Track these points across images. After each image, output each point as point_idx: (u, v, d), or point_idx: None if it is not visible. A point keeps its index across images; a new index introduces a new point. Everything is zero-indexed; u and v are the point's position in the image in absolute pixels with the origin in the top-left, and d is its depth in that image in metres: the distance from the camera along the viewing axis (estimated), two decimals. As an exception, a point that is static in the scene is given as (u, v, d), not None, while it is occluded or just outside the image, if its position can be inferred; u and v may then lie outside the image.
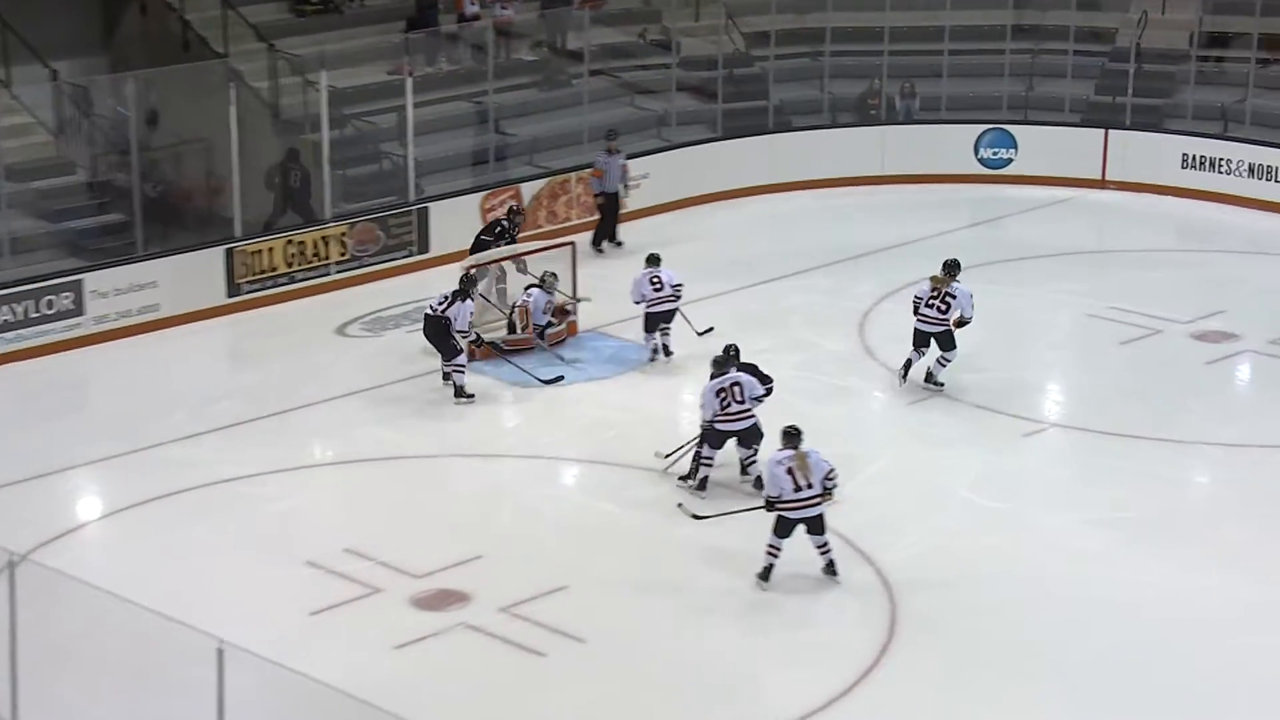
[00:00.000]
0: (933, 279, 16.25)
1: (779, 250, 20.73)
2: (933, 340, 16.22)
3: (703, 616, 12.74)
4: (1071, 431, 15.92)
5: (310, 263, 19.62)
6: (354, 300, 19.38)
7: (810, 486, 12.87)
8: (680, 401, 16.41)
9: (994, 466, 15.10)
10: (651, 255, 17.46)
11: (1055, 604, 12.80)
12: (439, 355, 16.62)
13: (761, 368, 14.73)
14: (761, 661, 12.18)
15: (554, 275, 17.60)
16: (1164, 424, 15.87)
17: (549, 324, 17.47)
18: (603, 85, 23.72)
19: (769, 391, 14.65)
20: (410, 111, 20.56)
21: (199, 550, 13.69)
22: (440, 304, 16.52)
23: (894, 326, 17.72)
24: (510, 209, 19.58)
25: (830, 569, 13.17)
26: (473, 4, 23.47)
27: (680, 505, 14.20)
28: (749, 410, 14.41)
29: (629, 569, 13.42)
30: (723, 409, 14.38)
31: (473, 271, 17.05)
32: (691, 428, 15.96)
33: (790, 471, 12.84)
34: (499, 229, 18.89)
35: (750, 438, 14.51)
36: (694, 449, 14.69)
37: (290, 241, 19.47)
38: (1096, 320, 18.16)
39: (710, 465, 14.54)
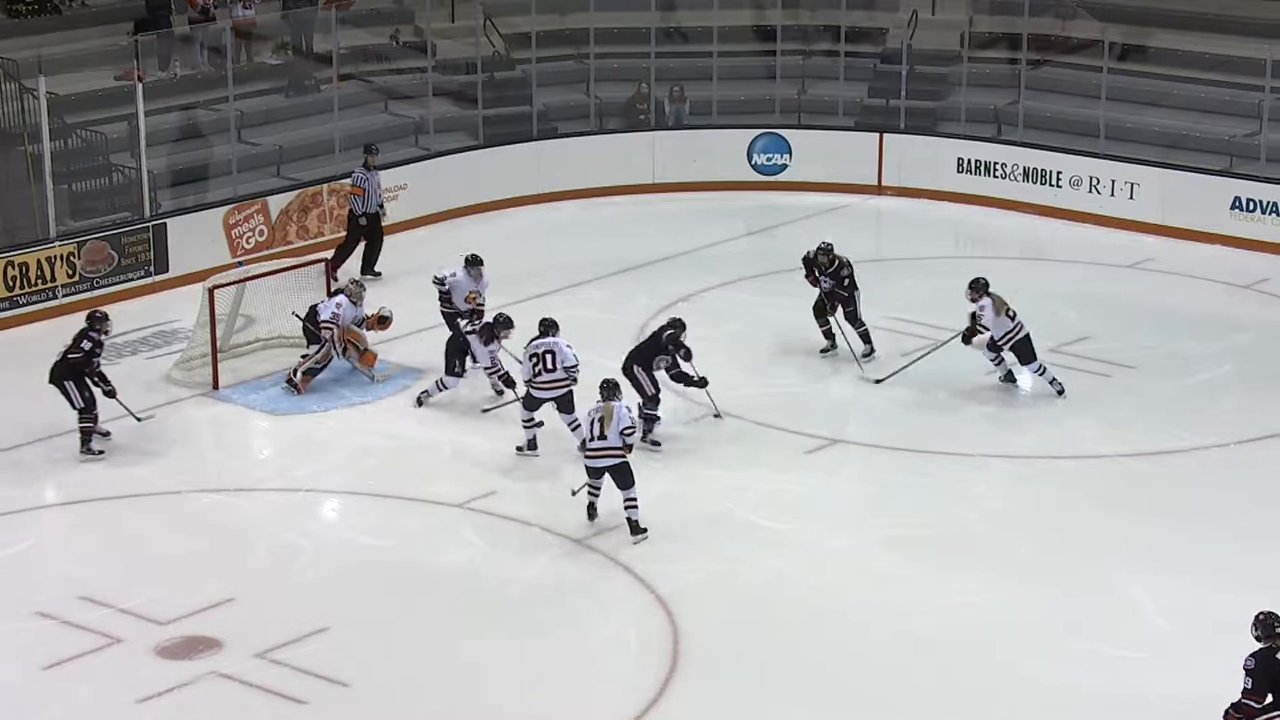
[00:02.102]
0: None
1: (547, 264, 20.78)
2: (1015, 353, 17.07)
3: (473, 652, 12.68)
4: (855, 447, 16.26)
5: (34, 285, 19.03)
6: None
7: (604, 438, 14.06)
8: (442, 427, 16.33)
9: (777, 486, 15.34)
10: (472, 256, 17.60)
11: (845, 628, 13.05)
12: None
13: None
14: (538, 697, 12.16)
15: (358, 284, 17.44)
16: (948, 437, 16.32)
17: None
18: (354, 90, 23.52)
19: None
20: (142, 120, 20.11)
21: (-86, 605, 13.16)
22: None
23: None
24: (820, 248, 17.98)
25: (633, 528, 14.10)
26: (208, 1, 23.03)
27: (573, 492, 14.55)
28: (561, 380, 15.44)
29: (394, 606, 13.29)
30: (534, 374, 15.41)
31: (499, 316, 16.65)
32: (456, 453, 15.91)
33: (593, 423, 14.15)
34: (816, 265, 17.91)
35: (565, 405, 15.52)
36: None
37: (10, 263, 18.87)
38: (877, 332, 18.56)
39: (529, 425, 15.64)
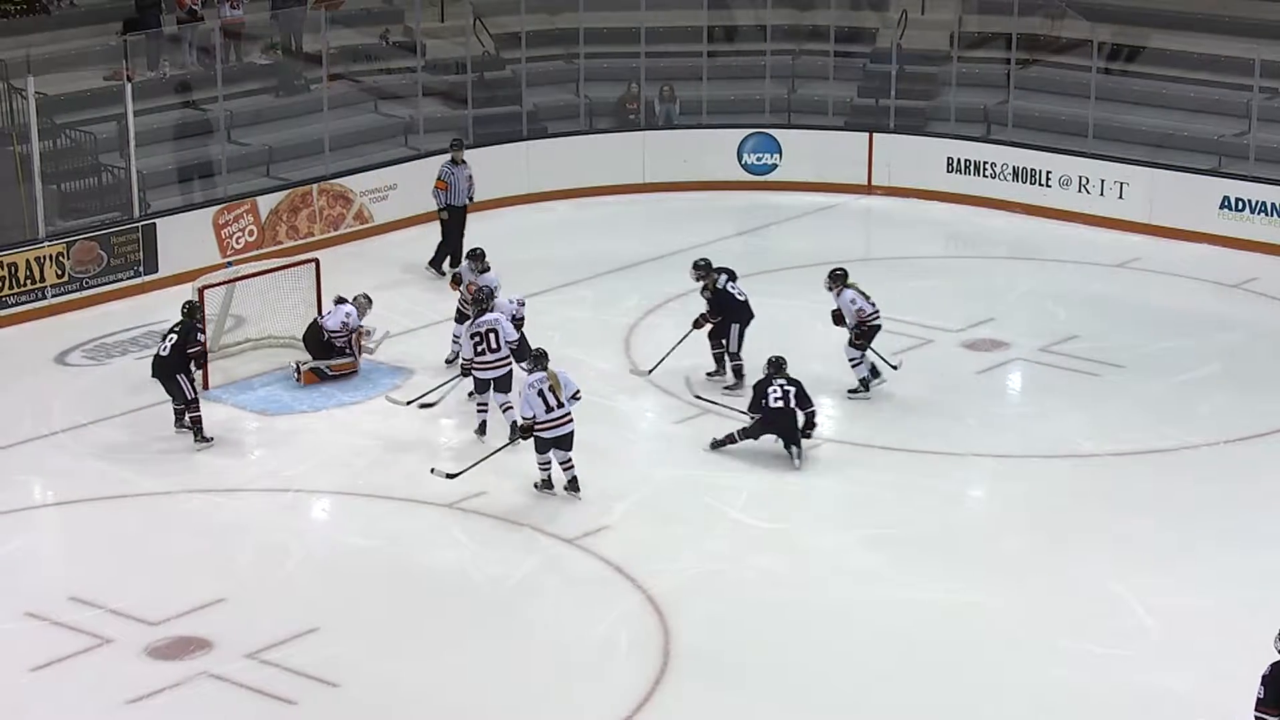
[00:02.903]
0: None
1: (537, 263, 20.78)
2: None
3: (463, 653, 12.69)
4: (844, 446, 16.28)
5: (23, 285, 19.03)
6: (75, 325, 18.89)
7: (561, 405, 14.38)
8: (432, 426, 16.34)
9: (766, 486, 15.36)
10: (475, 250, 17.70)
11: (834, 627, 13.08)
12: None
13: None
14: (528, 697, 12.18)
15: (368, 298, 17.57)
16: (938, 436, 16.34)
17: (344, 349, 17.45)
18: (343, 90, 23.53)
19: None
20: (131, 120, 20.10)
21: (-97, 605, 13.16)
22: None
23: (661, 341, 17.94)
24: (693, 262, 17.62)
25: (573, 485, 14.43)
26: (195, 2, 23.05)
27: (432, 470, 14.87)
28: (504, 359, 15.51)
29: (383, 606, 13.31)
30: (477, 354, 15.43)
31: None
32: (447, 453, 15.93)
33: (542, 394, 14.32)
34: None
35: (503, 386, 15.61)
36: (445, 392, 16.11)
37: (-1, 263, 18.94)
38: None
39: (484, 410, 15.79)
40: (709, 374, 17.27)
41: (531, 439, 14.59)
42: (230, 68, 22.54)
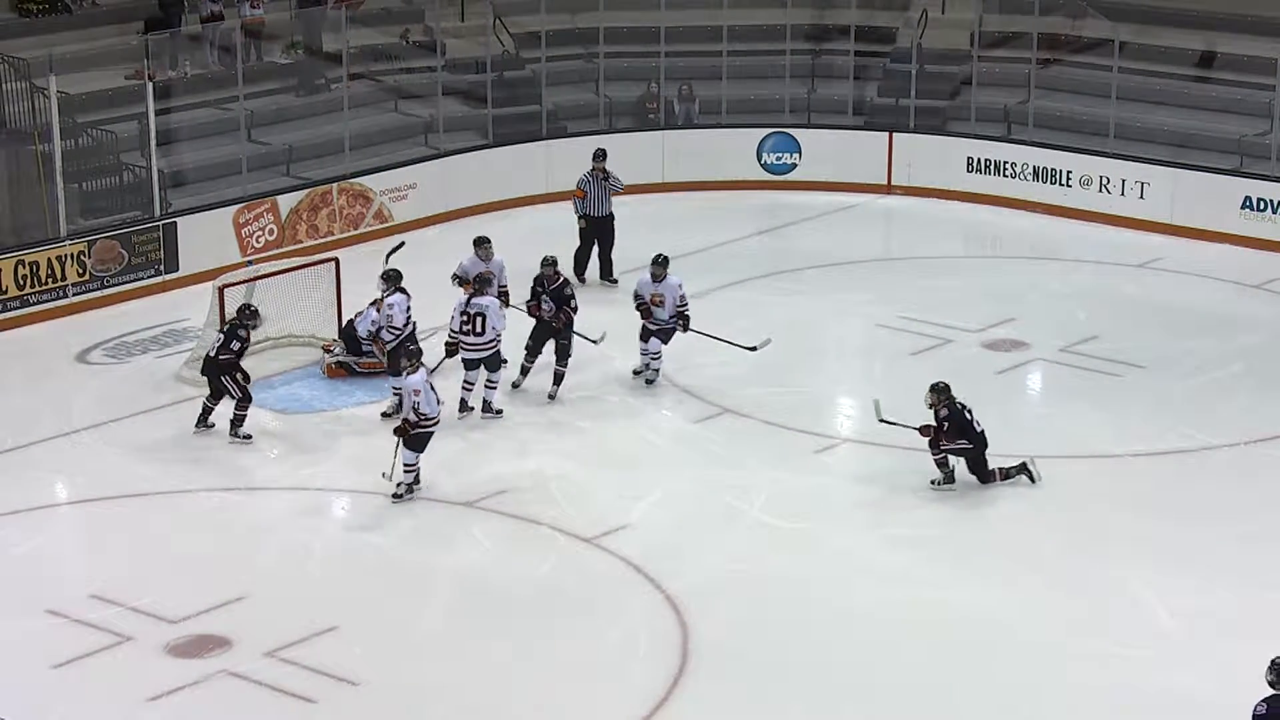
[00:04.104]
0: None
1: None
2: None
3: (482, 652, 12.70)
4: (865, 446, 16.25)
5: (45, 284, 19.08)
6: (96, 324, 18.93)
7: (441, 403, 14.74)
8: (452, 426, 16.34)
9: (786, 485, 15.35)
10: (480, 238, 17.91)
11: (855, 627, 13.06)
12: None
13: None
14: (546, 697, 12.19)
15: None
16: (957, 435, 16.32)
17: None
18: (364, 90, 23.57)
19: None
20: (152, 119, 20.15)
21: (-75, 603, 13.21)
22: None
23: (681, 341, 17.92)
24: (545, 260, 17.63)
25: (418, 479, 14.74)
26: (214, 3, 23.10)
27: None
28: (488, 344, 15.89)
29: (403, 605, 13.33)
30: (462, 334, 15.81)
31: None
32: (466, 451, 15.94)
33: (433, 390, 14.55)
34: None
35: (491, 365, 15.97)
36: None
37: (21, 262, 18.92)
38: (886, 330, 18.61)
39: (468, 389, 16.20)
40: (551, 395, 16.94)
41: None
42: (251, 67, 22.60)
